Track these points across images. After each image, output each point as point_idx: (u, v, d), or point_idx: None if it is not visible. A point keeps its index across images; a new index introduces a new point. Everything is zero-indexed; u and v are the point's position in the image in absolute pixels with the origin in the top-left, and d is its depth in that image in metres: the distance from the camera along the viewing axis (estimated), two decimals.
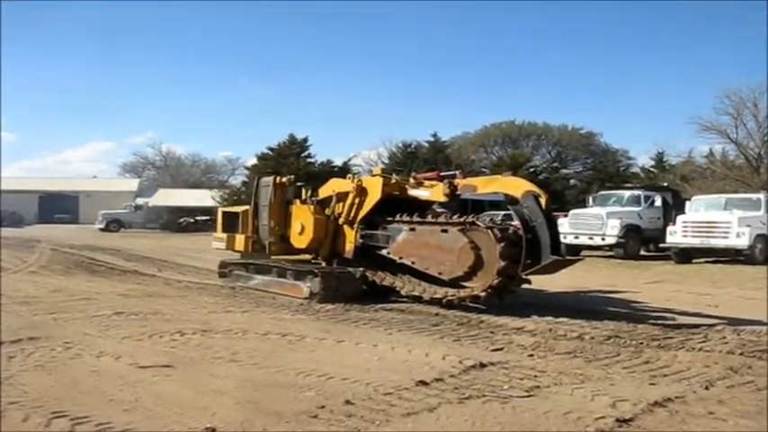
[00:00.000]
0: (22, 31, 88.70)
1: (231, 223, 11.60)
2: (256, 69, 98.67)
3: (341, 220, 10.04)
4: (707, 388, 4.65)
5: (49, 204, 56.61)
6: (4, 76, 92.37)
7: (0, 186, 48.36)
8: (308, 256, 10.66)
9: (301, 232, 10.25)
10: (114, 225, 40.79)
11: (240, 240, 11.12)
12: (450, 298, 8.36)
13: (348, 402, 4.15)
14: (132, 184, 63.42)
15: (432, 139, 45.72)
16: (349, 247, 9.91)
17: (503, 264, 7.82)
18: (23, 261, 15.58)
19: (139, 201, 49.13)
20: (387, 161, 46.06)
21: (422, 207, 9.47)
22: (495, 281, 7.92)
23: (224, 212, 12.40)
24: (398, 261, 9.29)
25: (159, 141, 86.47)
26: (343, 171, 34.69)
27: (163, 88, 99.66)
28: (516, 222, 8.13)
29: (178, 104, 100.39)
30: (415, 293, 8.82)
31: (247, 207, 11.39)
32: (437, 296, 8.51)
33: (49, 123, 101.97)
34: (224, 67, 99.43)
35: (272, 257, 10.70)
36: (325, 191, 10.52)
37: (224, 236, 11.51)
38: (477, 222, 8.32)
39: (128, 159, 75.54)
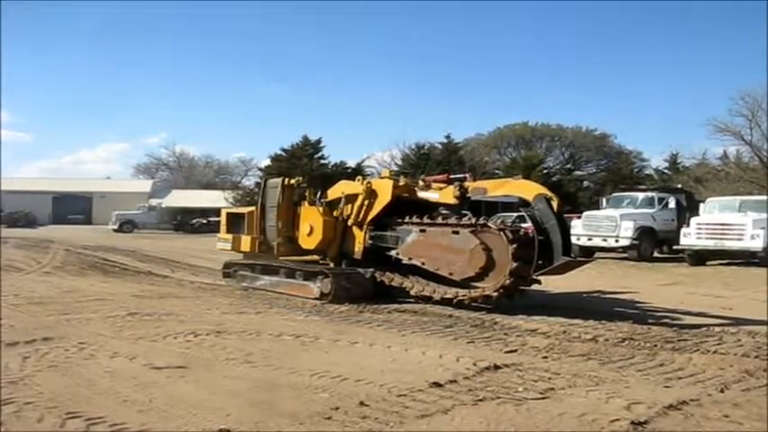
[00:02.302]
0: (37, 31, 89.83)
1: (236, 224, 11.56)
2: (270, 70, 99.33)
3: (350, 222, 10.09)
4: (722, 391, 4.60)
5: (62, 205, 57.14)
6: (20, 77, 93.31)
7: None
8: (314, 257, 10.69)
9: (310, 233, 10.28)
10: (128, 226, 41.07)
11: (246, 241, 11.07)
12: (461, 298, 8.40)
13: (362, 404, 4.14)
14: (146, 185, 63.77)
15: (445, 141, 45.79)
16: (358, 248, 9.96)
17: (515, 265, 7.86)
18: (38, 262, 15.74)
19: (153, 202, 49.43)
20: (400, 162, 46.16)
21: (429, 209, 9.50)
22: (508, 281, 7.96)
23: (228, 213, 12.31)
24: (407, 262, 9.31)
25: (173, 142, 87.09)
26: (357, 172, 34.84)
27: (176, 89, 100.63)
28: (528, 224, 8.16)
29: (192, 105, 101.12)
30: (426, 294, 8.85)
31: (252, 208, 11.38)
32: (448, 296, 8.54)
33: (64, 124, 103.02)
34: (238, 68, 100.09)
35: (279, 258, 10.70)
36: (334, 193, 10.56)
37: (229, 236, 11.45)
38: (489, 224, 8.36)
39: (141, 160, 76.15)
